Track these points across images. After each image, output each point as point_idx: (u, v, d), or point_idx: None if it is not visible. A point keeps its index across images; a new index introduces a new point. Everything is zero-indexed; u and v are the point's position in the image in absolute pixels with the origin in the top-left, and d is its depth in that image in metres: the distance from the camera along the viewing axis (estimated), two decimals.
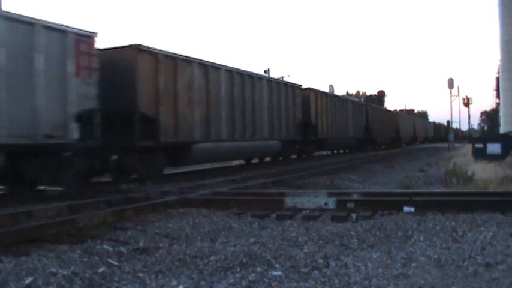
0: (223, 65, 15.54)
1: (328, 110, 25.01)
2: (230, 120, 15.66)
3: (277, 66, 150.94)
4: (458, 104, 71.76)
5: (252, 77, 17.51)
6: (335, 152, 31.27)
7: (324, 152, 28.08)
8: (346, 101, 29.86)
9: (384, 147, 41.02)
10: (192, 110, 13.72)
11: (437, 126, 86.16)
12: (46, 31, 9.28)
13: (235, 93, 16.07)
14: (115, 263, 4.17)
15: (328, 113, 24.98)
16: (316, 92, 23.90)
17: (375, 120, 35.76)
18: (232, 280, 3.73)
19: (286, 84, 21.06)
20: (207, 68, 14.56)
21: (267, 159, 21.53)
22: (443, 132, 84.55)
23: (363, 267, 3.95)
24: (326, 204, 6.79)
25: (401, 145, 46.10)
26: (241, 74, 16.74)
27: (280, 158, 20.91)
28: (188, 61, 13.77)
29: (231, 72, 16.02)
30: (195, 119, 13.80)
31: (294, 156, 22.83)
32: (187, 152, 13.51)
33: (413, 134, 54.67)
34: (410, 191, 8.66)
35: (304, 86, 23.01)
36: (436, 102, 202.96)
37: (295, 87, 21.61)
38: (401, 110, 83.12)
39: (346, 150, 32.39)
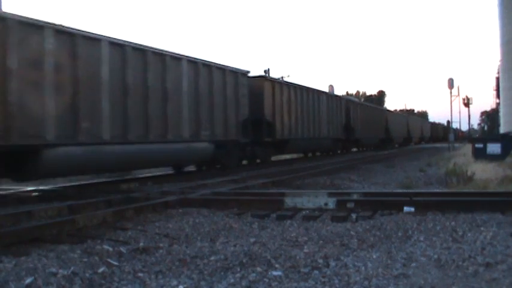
0: (105, 37, 10.84)
1: (291, 104, 20.29)
2: (119, 114, 11.09)
3: (277, 66, 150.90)
4: (458, 104, 71.67)
5: (162, 55, 12.60)
6: (310, 155, 26.77)
7: (283, 157, 23.35)
8: (318, 94, 24.22)
9: (372, 148, 37.29)
10: (41, 97, 9.32)
11: (434, 125, 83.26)
12: None
13: (130, 78, 11.40)
14: (115, 263, 4.17)
15: (291, 108, 20.24)
16: (273, 82, 19.24)
17: (358, 117, 31.11)
18: (232, 280, 3.73)
19: (224, 69, 15.44)
20: (75, 38, 9.98)
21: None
22: (441, 132, 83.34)
23: (363, 267, 3.95)
24: (326, 204, 6.80)
25: (393, 146, 42.53)
26: (143, 50, 11.96)
27: (218, 166, 15.87)
28: (33, 25, 9.22)
29: (122, 46, 11.27)
30: (46, 111, 9.38)
31: (244, 162, 18.18)
32: (35, 160, 9.21)
33: (406, 134, 50.53)
34: (410, 191, 8.66)
35: (255, 74, 18.48)
36: (436, 102, 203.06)
37: (239, 74, 16.29)
38: (401, 110, 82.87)
39: (327, 153, 27.86)
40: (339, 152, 29.01)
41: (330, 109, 25.73)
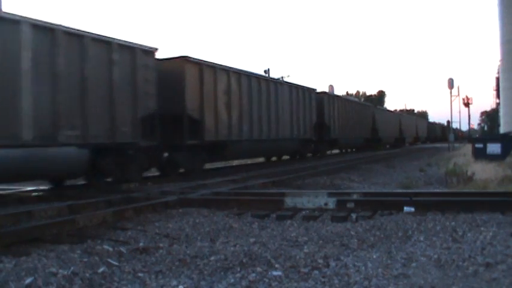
0: None
1: (232, 95, 15.66)
2: None
3: (277, 66, 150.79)
4: (458, 104, 71.61)
5: None
6: (274, 159, 22.25)
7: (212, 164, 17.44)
8: (276, 84, 19.50)
9: (354, 150, 33.46)
10: None
11: (431, 125, 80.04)
12: None
13: None
14: (115, 263, 4.18)
15: (232, 101, 15.62)
16: (201, 65, 14.16)
17: (335, 114, 25.84)
18: (232, 280, 3.73)
19: (109, 42, 10.80)
20: None
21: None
22: (440, 132, 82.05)
23: (363, 267, 3.96)
24: (326, 204, 6.80)
25: (383, 147, 38.60)
26: None
27: (109, 180, 11.46)
28: None
29: None
30: None
31: (155, 174, 14.22)
32: None
33: (398, 133, 45.79)
34: (410, 191, 8.67)
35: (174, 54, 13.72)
36: (436, 102, 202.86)
37: (139, 51, 11.61)
38: (401, 110, 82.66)
39: (293, 157, 22.54)
40: (309, 155, 23.81)
41: (295, 103, 20.74)
